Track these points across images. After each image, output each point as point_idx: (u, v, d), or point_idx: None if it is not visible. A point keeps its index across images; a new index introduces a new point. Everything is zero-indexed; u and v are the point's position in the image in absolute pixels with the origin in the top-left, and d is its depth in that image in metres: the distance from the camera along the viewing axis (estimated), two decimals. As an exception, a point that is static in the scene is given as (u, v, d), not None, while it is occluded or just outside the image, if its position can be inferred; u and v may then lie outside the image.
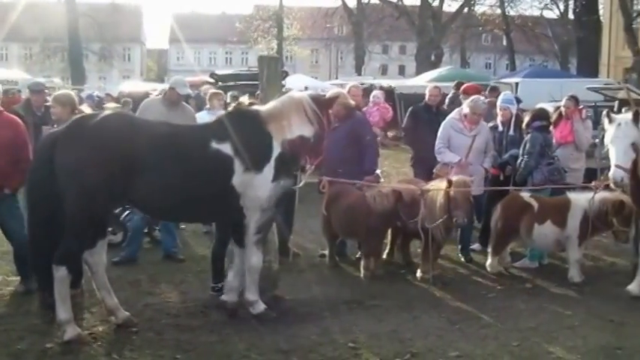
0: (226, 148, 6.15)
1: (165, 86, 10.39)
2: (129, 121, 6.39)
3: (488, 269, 8.43)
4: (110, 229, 8.60)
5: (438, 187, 7.98)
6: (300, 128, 6.45)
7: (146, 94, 17.72)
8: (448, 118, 9.28)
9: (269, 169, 6.26)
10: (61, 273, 5.79)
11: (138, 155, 5.83)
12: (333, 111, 8.11)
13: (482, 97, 9.95)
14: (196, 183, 6.04)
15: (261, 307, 6.61)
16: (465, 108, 9.08)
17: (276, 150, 6.32)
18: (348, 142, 8.52)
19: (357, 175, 8.42)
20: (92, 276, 6.40)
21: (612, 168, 7.08)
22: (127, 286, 7.57)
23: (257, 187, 6.22)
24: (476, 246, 9.42)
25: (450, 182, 7.74)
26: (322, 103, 6.75)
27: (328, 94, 8.19)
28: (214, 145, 6.15)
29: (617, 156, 7.05)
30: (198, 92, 17.12)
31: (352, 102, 9.11)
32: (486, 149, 9.12)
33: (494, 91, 12.55)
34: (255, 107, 6.88)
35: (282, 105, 6.50)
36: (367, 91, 15.73)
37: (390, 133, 21.57)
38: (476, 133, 8.98)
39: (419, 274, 8.12)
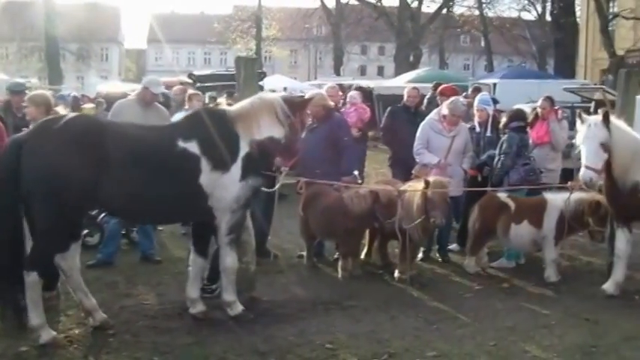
0: (193, 147, 6.10)
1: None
2: (94, 122, 6.34)
3: (466, 269, 8.48)
4: (87, 230, 8.55)
5: (415, 187, 8.00)
6: (270, 129, 6.42)
7: (124, 95, 17.52)
8: (427, 119, 9.27)
9: (236, 169, 6.22)
10: (31, 278, 5.69)
11: (104, 156, 5.75)
12: (311, 112, 8.14)
13: (461, 99, 9.98)
14: (163, 183, 5.96)
15: (238, 308, 6.59)
16: (445, 109, 9.08)
17: (244, 150, 6.28)
18: (326, 143, 8.51)
19: (335, 176, 8.39)
20: (66, 280, 6.32)
21: (582, 169, 7.13)
22: (104, 288, 7.50)
23: (224, 186, 6.18)
24: (454, 246, 9.47)
25: (427, 183, 7.75)
26: (295, 105, 6.70)
27: (307, 95, 8.18)
28: (180, 144, 6.10)
29: (587, 157, 7.10)
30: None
31: (331, 103, 9.11)
32: (465, 150, 9.16)
33: (477, 91, 12.58)
34: (223, 107, 6.84)
35: (251, 105, 6.48)
36: (348, 91, 15.69)
37: (368, 134, 21.53)
38: (455, 134, 9.00)
39: (396, 274, 8.12)
